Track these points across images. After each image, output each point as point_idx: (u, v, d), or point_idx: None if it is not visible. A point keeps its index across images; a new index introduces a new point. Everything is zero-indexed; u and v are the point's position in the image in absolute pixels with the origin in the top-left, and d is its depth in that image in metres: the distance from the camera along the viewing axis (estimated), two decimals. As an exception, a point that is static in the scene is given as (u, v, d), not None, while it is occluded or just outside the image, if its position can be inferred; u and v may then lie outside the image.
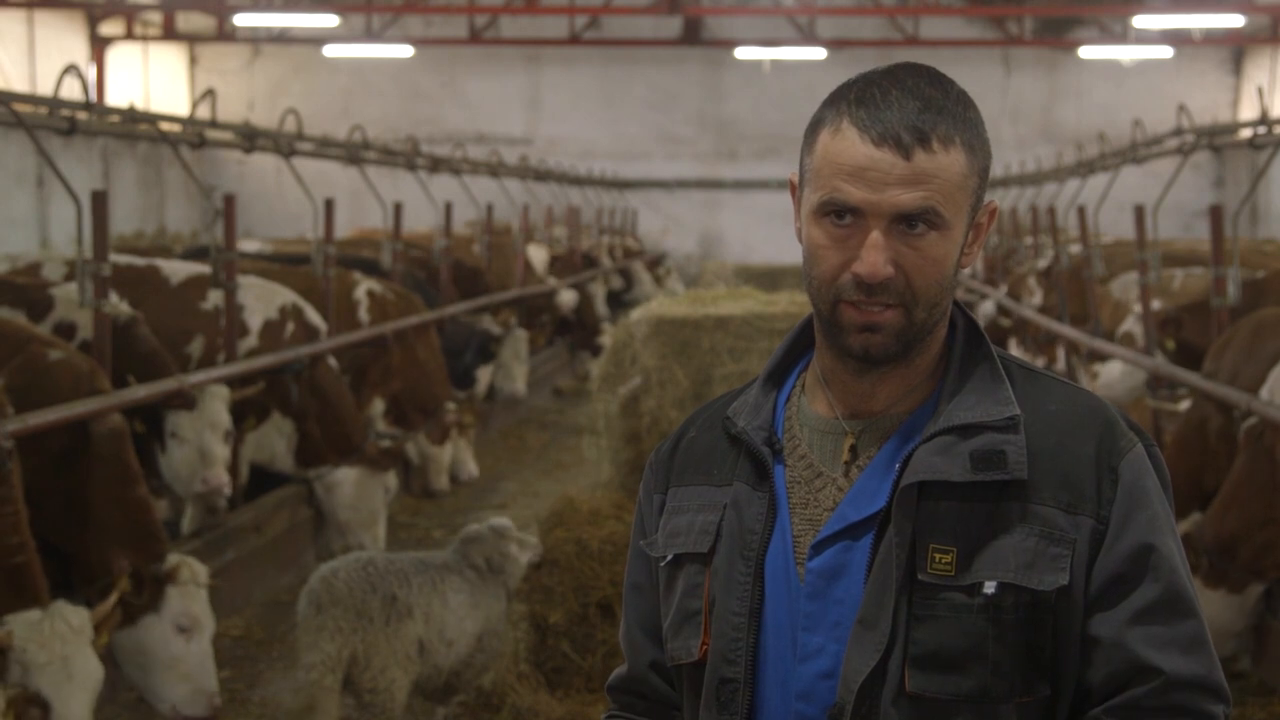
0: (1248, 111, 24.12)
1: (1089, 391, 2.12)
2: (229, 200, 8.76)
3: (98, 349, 6.98)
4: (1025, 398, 2.04)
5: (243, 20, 21.94)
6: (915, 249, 1.98)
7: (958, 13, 23.73)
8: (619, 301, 19.78)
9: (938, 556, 1.96)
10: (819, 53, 23.55)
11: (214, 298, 8.98)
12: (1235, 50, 25.20)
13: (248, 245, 13.79)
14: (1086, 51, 24.05)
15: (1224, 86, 25.43)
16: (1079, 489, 1.98)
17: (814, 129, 2.02)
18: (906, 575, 1.96)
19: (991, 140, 2.05)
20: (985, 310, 14.99)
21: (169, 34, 24.14)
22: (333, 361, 9.51)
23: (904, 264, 1.97)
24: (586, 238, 21.78)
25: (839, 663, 1.99)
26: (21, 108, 9.09)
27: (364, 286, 11.12)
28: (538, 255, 17.95)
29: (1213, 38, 23.80)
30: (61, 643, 5.17)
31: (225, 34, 24.04)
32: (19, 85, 19.28)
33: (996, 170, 17.34)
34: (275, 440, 9.14)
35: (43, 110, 9.71)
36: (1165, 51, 23.60)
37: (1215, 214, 8.34)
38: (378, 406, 10.65)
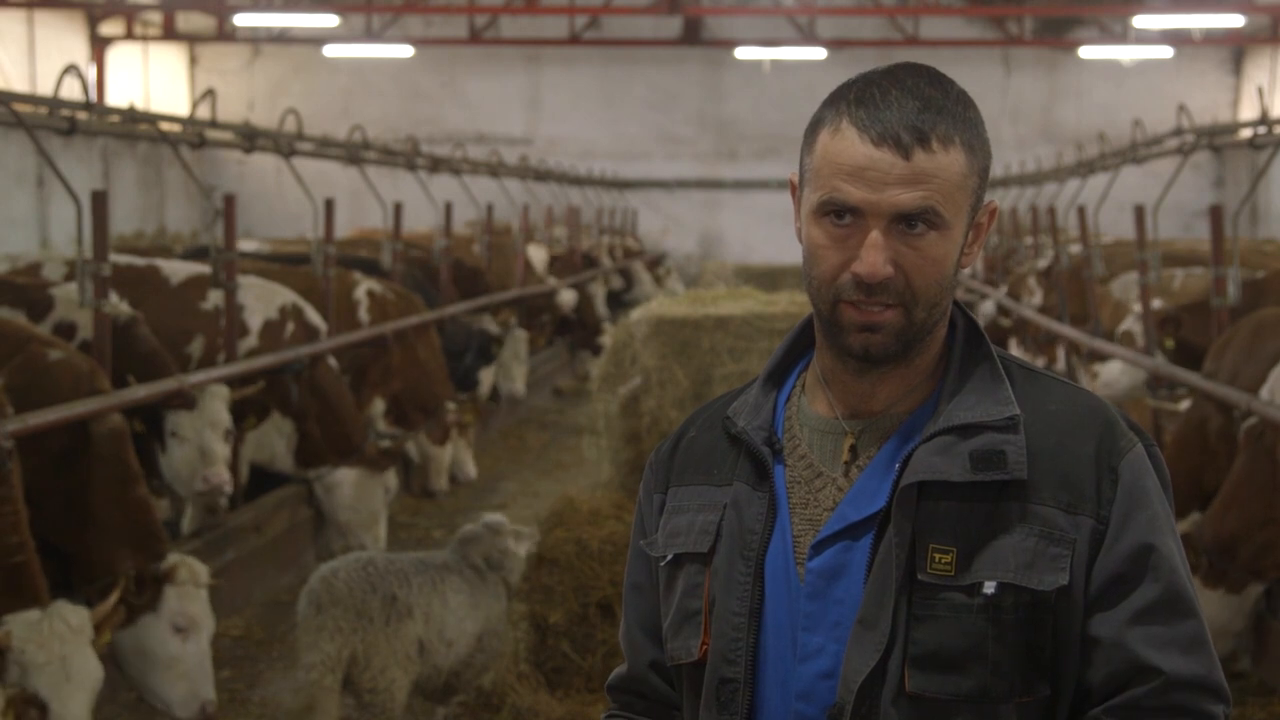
0: (1248, 111, 24.12)
1: (1089, 391, 2.12)
2: (229, 200, 8.76)
3: (98, 349, 6.98)
4: (1025, 398, 2.04)
5: (243, 20, 21.94)
6: (915, 249, 1.97)
7: (958, 13, 23.73)
8: (619, 301, 19.77)
9: (937, 556, 1.96)
10: (819, 53, 23.55)
11: (214, 298, 8.98)
12: (1235, 50, 25.20)
13: (245, 245, 13.78)
14: (1086, 51, 24.05)
15: (1224, 86, 25.43)
16: (1079, 489, 1.98)
17: (814, 129, 2.02)
18: (906, 575, 1.96)
19: (991, 140, 2.05)
20: (985, 310, 14.99)
21: (169, 34, 24.15)
22: (333, 361, 9.51)
23: (904, 264, 1.97)
24: (586, 238, 21.78)
25: (839, 663, 1.99)
26: (21, 108, 9.09)
27: (364, 286, 11.12)
28: (538, 255, 17.95)
29: (1213, 38, 23.80)
30: (60, 643, 5.16)
31: (225, 34, 24.04)
32: (19, 85, 19.28)
33: (996, 170, 17.34)
34: (275, 440, 9.14)
35: (43, 110, 9.71)
36: (1165, 51, 23.61)
37: (1215, 214, 8.34)
38: (378, 406, 10.65)
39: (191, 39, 24.83)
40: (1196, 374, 7.71)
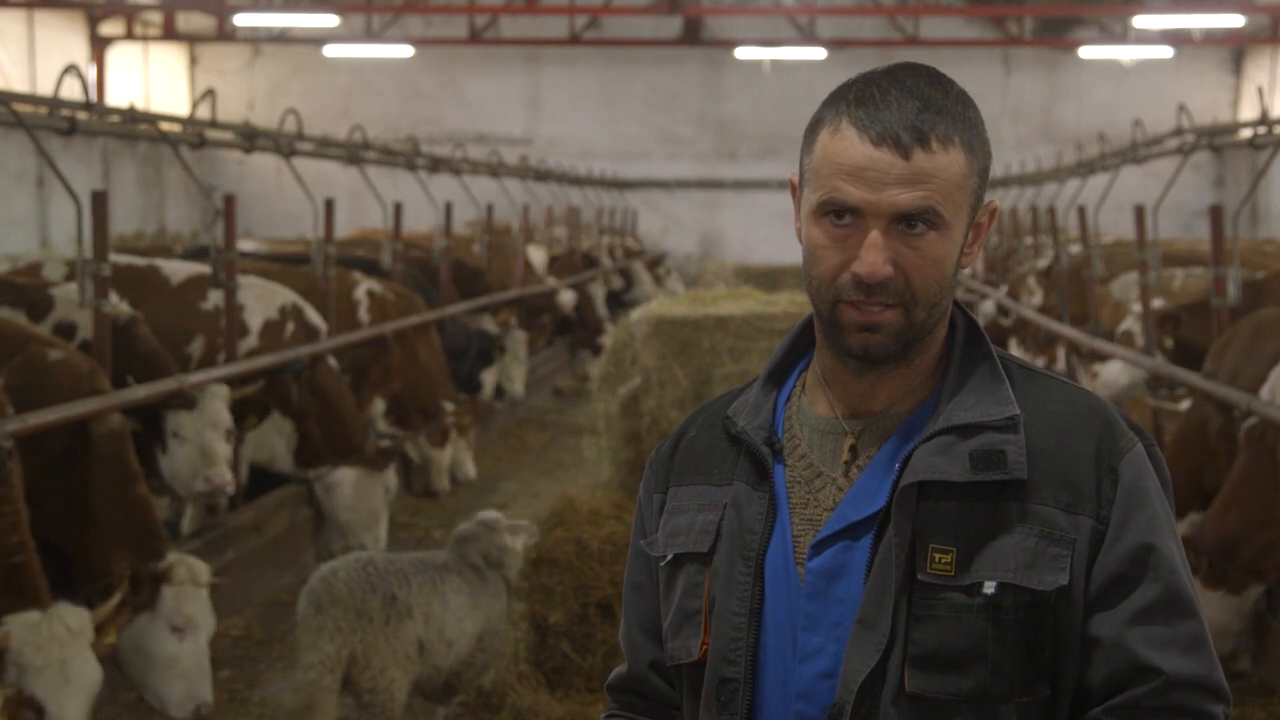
0: (1248, 111, 24.12)
1: (1089, 391, 2.12)
2: (229, 200, 8.76)
3: (98, 349, 6.98)
4: (1025, 397, 2.04)
5: (243, 20, 21.95)
6: (914, 249, 1.97)
7: (958, 13, 23.73)
8: (619, 301, 19.77)
9: (937, 556, 1.96)
10: (819, 53, 23.55)
11: (214, 298, 8.98)
12: (1235, 50, 25.20)
13: (245, 245, 13.78)
14: (1086, 51, 24.05)
15: (1224, 86, 25.43)
16: (1079, 489, 1.98)
17: (813, 129, 2.02)
18: (906, 575, 1.96)
19: (991, 140, 2.05)
20: (985, 310, 14.99)
21: (169, 34, 24.15)
22: (333, 361, 9.51)
23: (903, 264, 1.97)
24: (586, 238, 21.78)
25: (839, 663, 1.99)
26: (21, 108, 9.09)
27: (364, 286, 11.12)
28: (538, 255, 17.95)
29: (1213, 38, 23.80)
30: (59, 645, 5.15)
31: (225, 34, 24.04)
32: (19, 85, 19.29)
33: (996, 170, 17.34)
34: (275, 440, 9.14)
35: (43, 110, 9.71)
36: (1165, 51, 23.61)
37: (1215, 214, 8.34)
38: (378, 407, 10.65)
39: (191, 39, 24.84)
40: (1196, 374, 7.71)
